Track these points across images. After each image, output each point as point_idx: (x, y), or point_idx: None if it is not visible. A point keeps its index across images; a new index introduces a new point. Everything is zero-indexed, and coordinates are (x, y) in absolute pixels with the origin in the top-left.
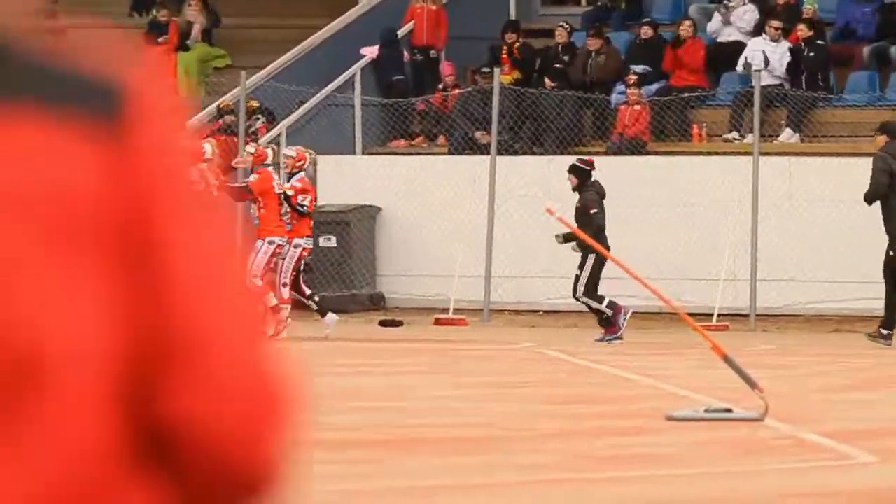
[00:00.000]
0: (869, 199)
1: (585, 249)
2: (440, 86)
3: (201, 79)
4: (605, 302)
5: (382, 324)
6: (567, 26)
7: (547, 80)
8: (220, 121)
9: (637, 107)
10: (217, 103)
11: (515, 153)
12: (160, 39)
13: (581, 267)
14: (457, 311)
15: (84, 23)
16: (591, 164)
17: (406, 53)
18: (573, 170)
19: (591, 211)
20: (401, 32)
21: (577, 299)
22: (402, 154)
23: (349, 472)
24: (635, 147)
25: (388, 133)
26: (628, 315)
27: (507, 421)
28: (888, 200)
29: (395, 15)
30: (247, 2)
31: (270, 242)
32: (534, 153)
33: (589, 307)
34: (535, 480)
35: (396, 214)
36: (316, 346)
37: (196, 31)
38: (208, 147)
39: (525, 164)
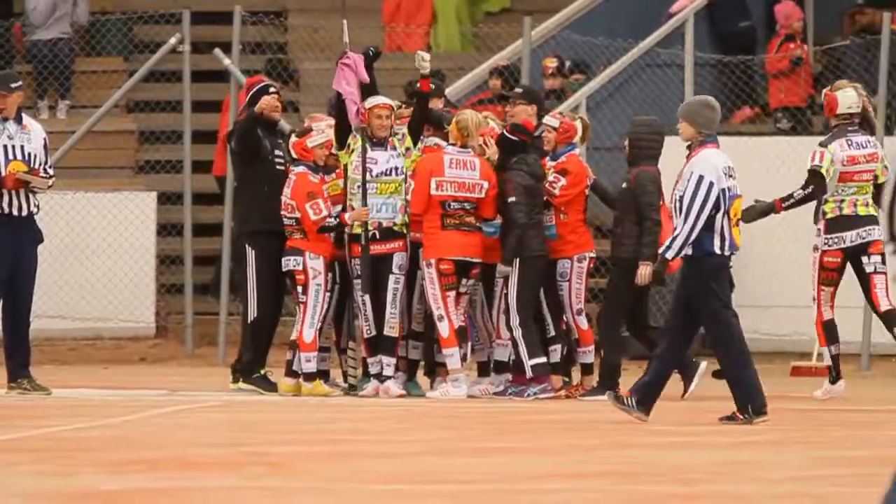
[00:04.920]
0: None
1: None
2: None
3: (469, 28)
4: None
5: (717, 375)
6: None
7: None
8: (490, 88)
9: None
10: (492, 62)
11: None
12: None
13: None
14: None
15: None
16: None
17: None
18: None
19: None
20: None
21: None
22: (750, 135)
23: None
24: None
25: (730, 104)
26: None
27: None
28: None
29: None
30: None
31: (581, 260)
32: None
33: None
34: None
35: None
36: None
37: None
38: (493, 123)
39: None
